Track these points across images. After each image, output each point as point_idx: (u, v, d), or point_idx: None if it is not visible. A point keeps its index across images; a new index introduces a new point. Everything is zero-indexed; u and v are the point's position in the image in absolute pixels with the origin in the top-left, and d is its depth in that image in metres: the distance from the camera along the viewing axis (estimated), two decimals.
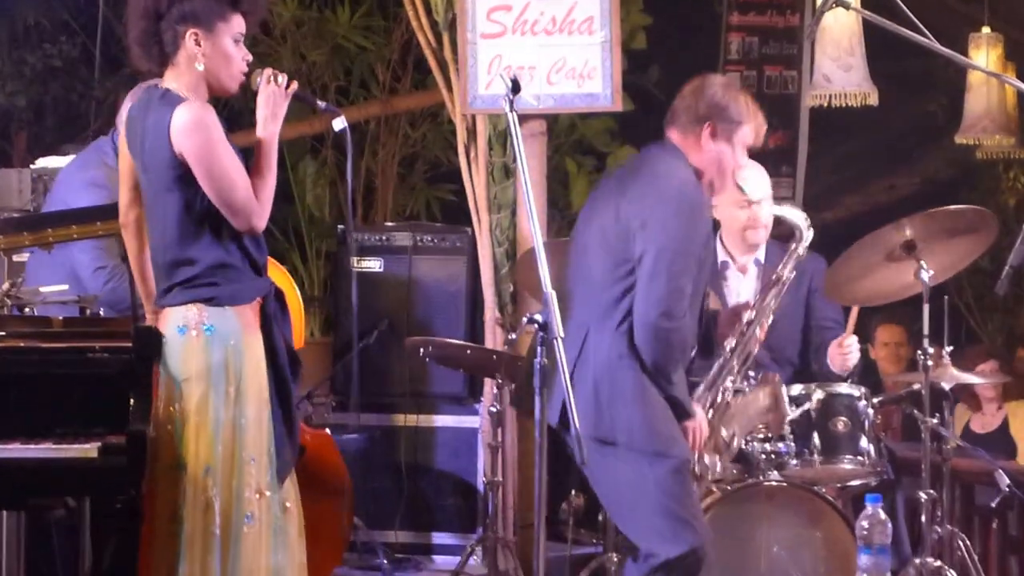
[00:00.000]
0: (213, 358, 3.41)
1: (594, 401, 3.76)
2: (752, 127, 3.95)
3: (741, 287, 4.75)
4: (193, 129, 3.37)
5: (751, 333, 4.24)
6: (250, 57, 3.50)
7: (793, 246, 4.40)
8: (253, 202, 3.41)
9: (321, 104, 3.65)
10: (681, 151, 3.91)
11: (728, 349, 4.22)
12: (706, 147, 3.90)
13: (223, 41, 3.44)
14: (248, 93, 3.56)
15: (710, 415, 4.11)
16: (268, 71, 3.51)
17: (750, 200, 4.65)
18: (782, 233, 4.71)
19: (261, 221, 3.45)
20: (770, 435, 4.38)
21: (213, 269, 3.44)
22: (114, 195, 4.18)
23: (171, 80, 3.46)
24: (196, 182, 3.40)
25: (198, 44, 3.43)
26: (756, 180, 4.66)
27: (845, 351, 4.60)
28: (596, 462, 3.68)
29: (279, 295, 3.57)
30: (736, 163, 3.96)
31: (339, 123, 3.57)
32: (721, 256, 4.76)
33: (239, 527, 3.39)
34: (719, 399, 4.17)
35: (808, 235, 4.37)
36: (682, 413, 3.85)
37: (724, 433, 4.10)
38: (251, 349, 3.45)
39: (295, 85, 3.53)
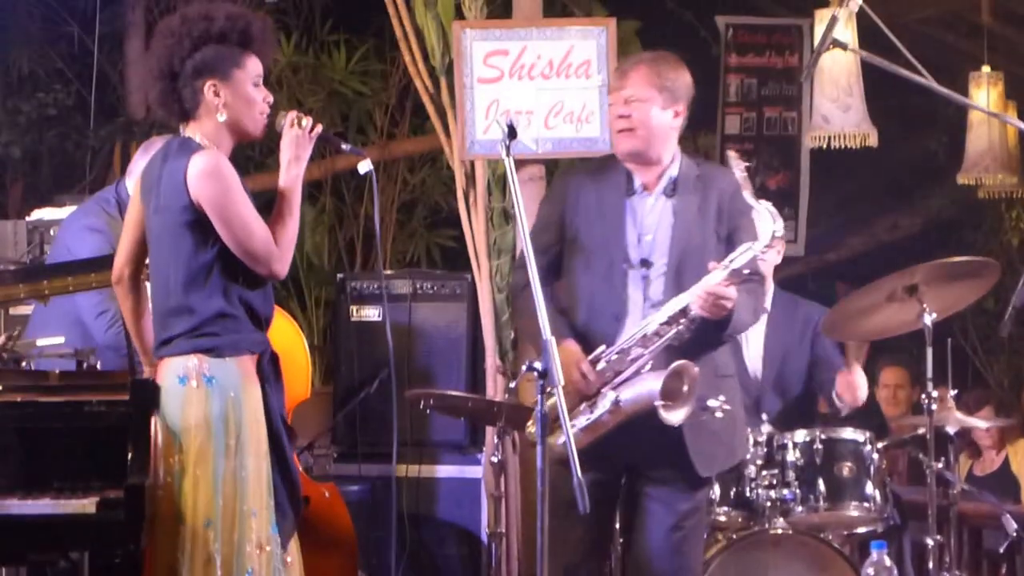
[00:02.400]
0: (213, 409, 3.37)
1: None
2: None
3: (751, 334, 4.70)
4: (209, 176, 3.35)
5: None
6: (271, 98, 3.47)
7: (751, 244, 3.75)
8: (273, 248, 3.38)
9: (346, 146, 3.61)
10: None
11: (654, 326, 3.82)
12: None
13: (242, 87, 3.41)
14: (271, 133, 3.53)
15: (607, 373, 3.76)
16: (293, 114, 3.47)
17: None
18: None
19: (282, 267, 3.41)
20: (774, 482, 4.35)
21: (214, 319, 3.41)
22: (113, 242, 4.19)
23: (193, 131, 3.44)
24: (207, 229, 3.38)
25: (217, 95, 3.40)
26: (764, 222, 4.66)
27: (855, 385, 4.56)
28: None
29: (274, 359, 3.53)
30: None
31: (364, 166, 3.53)
32: None
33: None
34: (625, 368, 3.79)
35: (776, 228, 3.67)
36: None
37: (609, 394, 3.71)
38: (251, 400, 3.41)
39: (319, 128, 3.49)
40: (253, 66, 3.44)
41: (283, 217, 3.42)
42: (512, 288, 3.98)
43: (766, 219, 3.61)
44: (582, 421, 3.68)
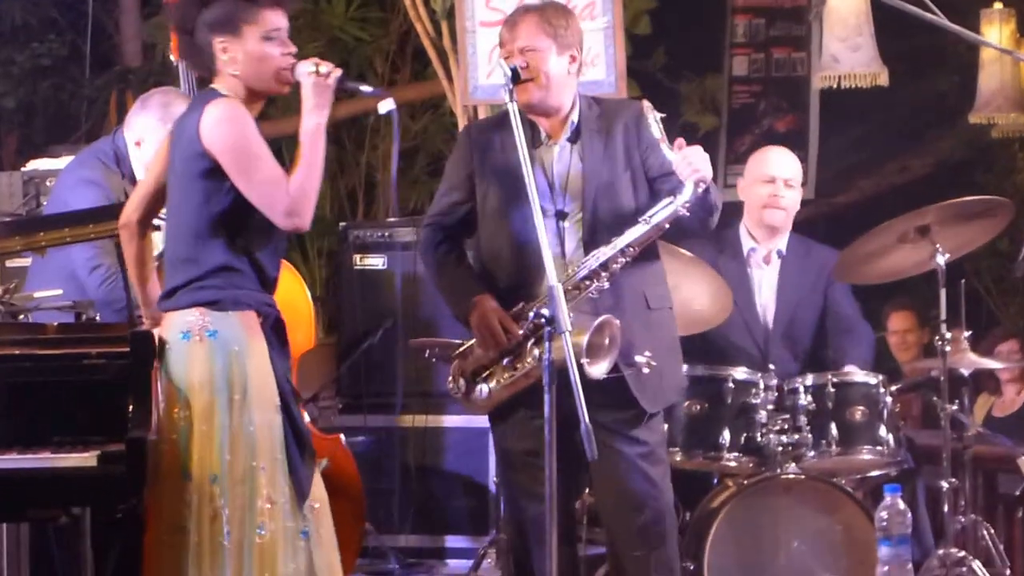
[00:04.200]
0: (216, 364, 3.33)
1: None
2: None
3: (764, 278, 4.69)
4: (222, 123, 3.29)
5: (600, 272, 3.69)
6: (293, 49, 3.38)
7: (672, 199, 3.63)
8: (288, 197, 3.30)
9: (367, 88, 3.52)
10: None
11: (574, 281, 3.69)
12: None
13: (251, 43, 3.34)
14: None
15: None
16: (312, 61, 3.38)
17: (772, 177, 4.61)
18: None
19: (302, 218, 3.32)
20: (785, 427, 4.30)
21: (217, 272, 3.35)
22: (111, 194, 4.13)
23: (217, 84, 3.40)
24: (218, 180, 3.31)
25: (225, 51, 3.35)
26: (780, 159, 4.67)
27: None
28: None
29: (279, 325, 3.46)
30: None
31: (386, 105, 3.45)
32: (748, 244, 4.70)
33: (251, 538, 3.31)
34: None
35: (688, 191, 3.56)
36: None
37: (533, 350, 3.61)
38: (256, 355, 3.36)
39: (338, 73, 3.37)
40: (268, 20, 3.36)
41: (302, 166, 3.33)
42: (424, 245, 3.84)
43: (689, 184, 3.55)
44: (506, 377, 3.64)
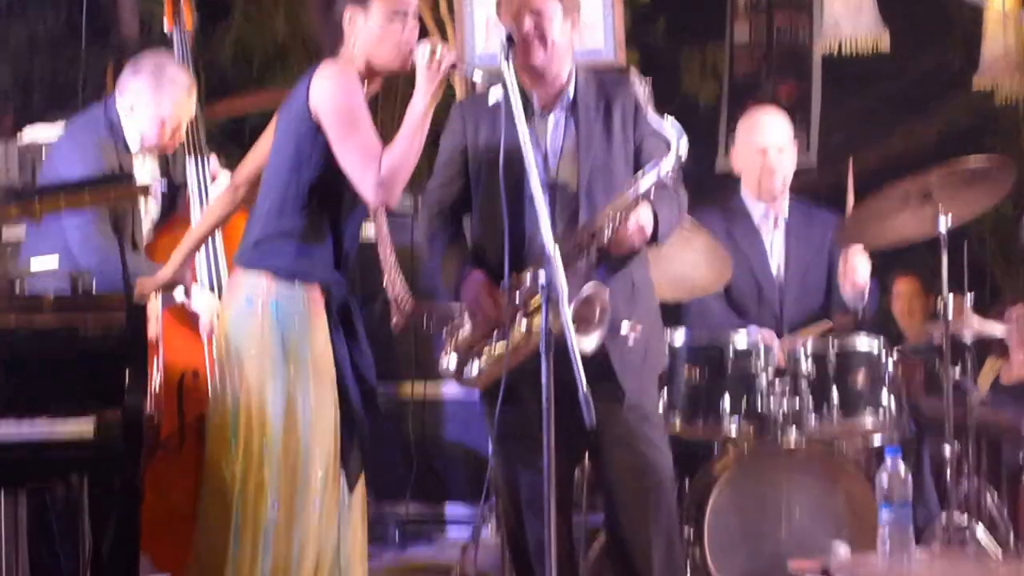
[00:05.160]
0: (275, 336, 3.36)
1: None
2: None
3: (774, 241, 4.67)
4: (332, 83, 3.31)
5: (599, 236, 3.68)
6: (411, 28, 3.38)
7: (657, 165, 3.61)
8: (380, 171, 3.28)
9: (478, 77, 3.52)
10: None
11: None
12: None
13: (375, 19, 3.36)
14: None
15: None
16: (429, 45, 3.38)
17: (764, 147, 4.59)
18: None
19: (391, 193, 3.29)
20: (786, 393, 4.27)
21: (293, 235, 3.37)
22: (102, 162, 4.12)
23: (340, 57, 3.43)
24: (315, 145, 3.32)
25: (352, 22, 3.37)
26: (769, 126, 4.62)
27: (852, 267, 4.46)
28: None
29: (345, 310, 3.45)
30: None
31: (494, 94, 3.51)
32: (758, 209, 4.68)
33: (303, 512, 3.35)
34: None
35: (681, 147, 3.57)
36: None
37: (523, 321, 3.59)
38: (316, 331, 3.37)
39: (451, 58, 3.36)
40: None
41: (399, 144, 3.32)
42: (422, 224, 3.83)
43: (672, 137, 3.53)
44: (498, 349, 3.61)
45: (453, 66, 3.36)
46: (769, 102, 6.31)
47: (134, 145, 4.26)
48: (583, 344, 3.45)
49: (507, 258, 3.45)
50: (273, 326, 3.35)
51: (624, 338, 3.67)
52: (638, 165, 3.67)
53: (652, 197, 3.58)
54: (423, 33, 3.49)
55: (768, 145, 4.59)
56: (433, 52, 3.34)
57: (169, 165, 4.41)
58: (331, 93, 3.30)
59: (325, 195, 3.36)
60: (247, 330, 3.37)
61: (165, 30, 4.43)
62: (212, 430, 3.41)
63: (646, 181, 3.56)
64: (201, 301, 4.15)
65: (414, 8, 3.42)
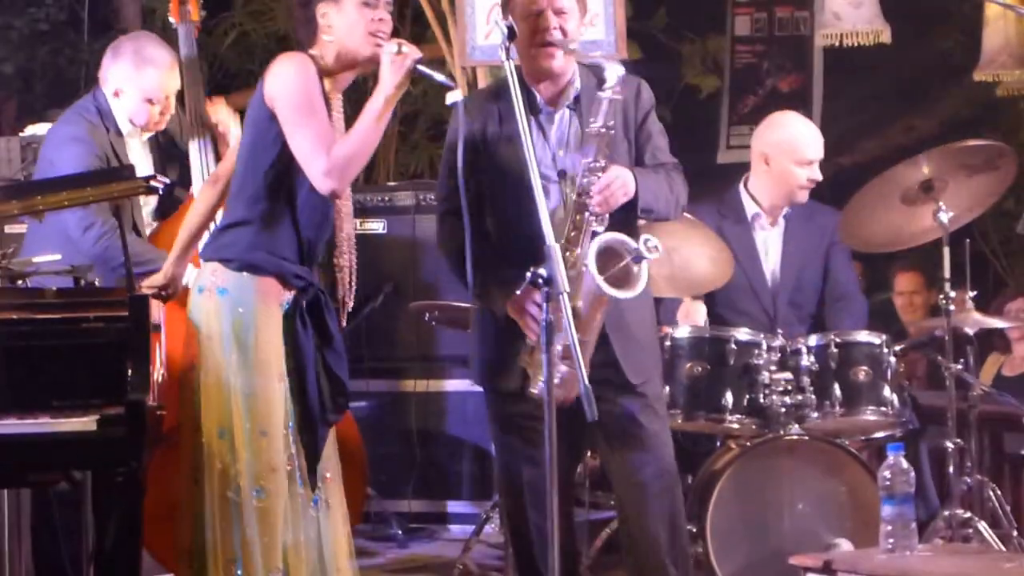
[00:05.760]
0: (224, 322, 3.40)
1: None
2: None
3: (769, 241, 4.67)
4: (286, 71, 3.37)
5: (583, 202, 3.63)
6: (384, 16, 3.41)
7: (602, 95, 3.60)
8: (330, 158, 3.30)
9: (439, 77, 3.49)
10: None
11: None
12: None
13: (348, 8, 3.40)
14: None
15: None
16: (396, 41, 3.40)
17: (811, 160, 4.59)
18: None
19: (337, 182, 3.33)
20: (788, 388, 4.27)
21: (247, 225, 3.40)
22: (95, 149, 4.13)
23: (313, 51, 3.45)
24: (268, 130, 3.37)
25: (324, 17, 3.41)
26: (815, 140, 4.63)
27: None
28: None
29: (315, 307, 3.46)
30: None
31: (453, 96, 3.44)
32: (752, 208, 4.67)
33: (250, 499, 3.36)
34: None
35: (613, 75, 3.55)
36: None
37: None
38: (263, 324, 3.39)
39: (415, 56, 3.38)
40: None
41: (353, 134, 3.36)
42: (440, 236, 3.77)
43: (610, 68, 3.54)
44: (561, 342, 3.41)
45: (418, 62, 3.37)
46: (770, 94, 6.30)
47: (125, 127, 4.26)
48: (626, 294, 3.41)
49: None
50: (220, 312, 3.40)
51: (627, 324, 3.64)
52: (640, 162, 3.66)
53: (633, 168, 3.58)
54: (395, 33, 3.50)
55: (814, 159, 4.59)
56: (400, 47, 3.36)
57: (178, 137, 4.41)
58: (284, 81, 3.36)
59: (280, 183, 3.39)
60: (199, 320, 3.43)
61: (171, 22, 4.40)
62: (183, 416, 3.44)
63: (601, 112, 3.52)
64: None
65: (387, 2, 3.43)
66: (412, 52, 3.37)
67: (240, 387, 3.37)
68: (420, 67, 3.38)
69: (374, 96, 3.36)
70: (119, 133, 4.25)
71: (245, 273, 3.40)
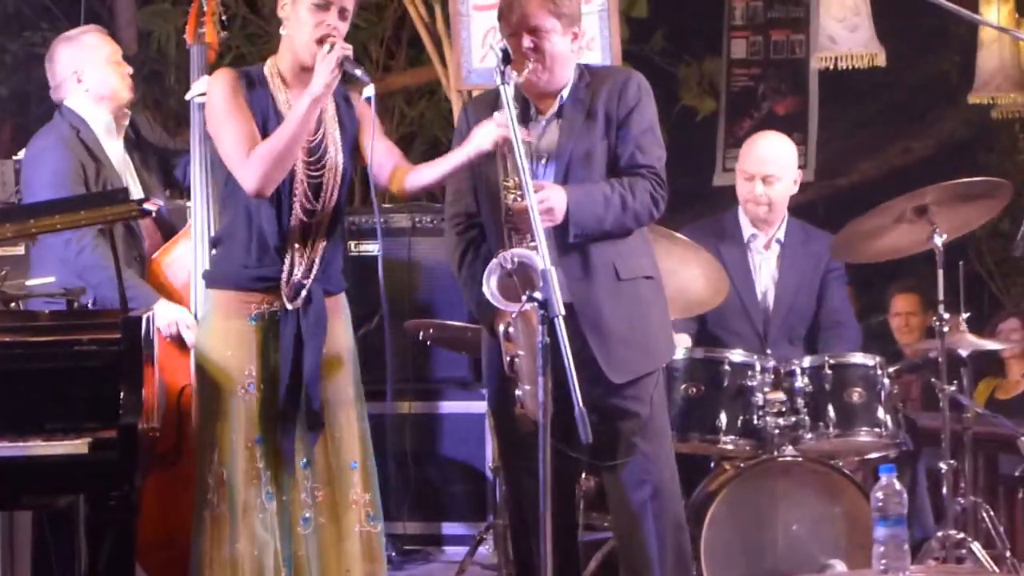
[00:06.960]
0: (197, 339, 3.64)
1: None
2: None
3: (763, 263, 4.67)
4: (208, 89, 3.53)
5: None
6: (331, 23, 3.41)
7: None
8: (244, 157, 3.37)
9: (359, 72, 3.48)
10: None
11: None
12: None
13: (300, 8, 3.43)
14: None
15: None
16: (330, 40, 3.41)
17: (752, 174, 4.59)
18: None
19: (250, 179, 3.37)
20: (783, 409, 4.27)
21: (217, 245, 3.59)
22: (68, 154, 4.11)
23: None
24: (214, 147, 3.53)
25: (282, 9, 3.48)
26: (763, 153, 4.61)
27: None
28: None
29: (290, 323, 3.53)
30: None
31: (368, 91, 3.48)
32: (748, 230, 4.68)
33: (203, 511, 3.45)
34: None
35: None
36: None
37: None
38: (221, 336, 3.47)
39: (341, 52, 3.38)
40: None
41: (274, 133, 3.40)
42: (449, 252, 3.82)
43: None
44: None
45: (347, 59, 3.39)
46: (766, 117, 6.32)
47: (98, 127, 4.22)
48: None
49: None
50: (197, 336, 3.64)
51: (605, 322, 3.63)
52: (618, 164, 3.65)
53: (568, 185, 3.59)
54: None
55: (755, 172, 4.59)
56: (331, 47, 3.38)
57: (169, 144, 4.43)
58: (208, 98, 3.51)
59: (235, 190, 3.46)
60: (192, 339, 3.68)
61: (187, 43, 4.37)
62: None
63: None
64: (162, 313, 4.02)
65: (340, 3, 3.43)
66: (340, 49, 3.38)
67: (199, 402, 3.50)
68: (347, 65, 3.40)
69: (302, 96, 3.38)
70: (96, 140, 4.21)
71: (211, 291, 3.53)
